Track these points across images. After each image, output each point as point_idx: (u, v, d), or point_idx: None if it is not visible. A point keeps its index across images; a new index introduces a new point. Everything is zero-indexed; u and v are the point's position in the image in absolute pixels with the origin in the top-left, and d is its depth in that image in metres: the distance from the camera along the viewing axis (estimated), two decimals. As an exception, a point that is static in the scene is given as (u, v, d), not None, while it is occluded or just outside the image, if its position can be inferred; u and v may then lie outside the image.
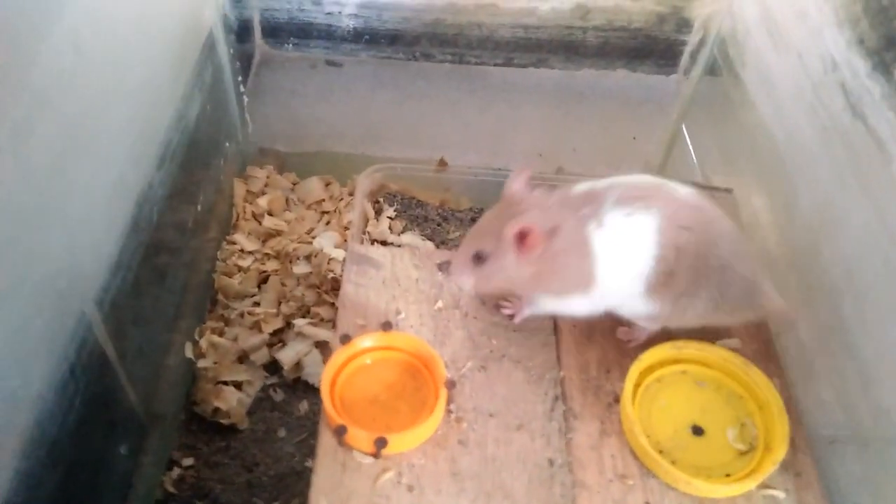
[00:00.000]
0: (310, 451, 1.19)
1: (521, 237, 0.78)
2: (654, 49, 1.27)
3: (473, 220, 1.49)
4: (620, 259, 0.81)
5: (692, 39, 1.24)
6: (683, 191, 0.83)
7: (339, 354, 0.86)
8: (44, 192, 0.76)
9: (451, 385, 0.84)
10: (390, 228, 1.42)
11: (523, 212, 0.80)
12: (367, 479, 0.79)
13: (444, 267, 1.00)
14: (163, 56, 1.10)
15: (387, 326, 0.89)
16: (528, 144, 1.70)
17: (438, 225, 1.47)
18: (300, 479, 1.16)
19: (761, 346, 0.95)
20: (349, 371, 0.87)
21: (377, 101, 1.81)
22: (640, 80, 1.81)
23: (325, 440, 0.83)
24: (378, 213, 1.45)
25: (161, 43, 1.10)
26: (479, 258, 0.82)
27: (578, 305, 0.86)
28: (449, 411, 0.85)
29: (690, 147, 1.51)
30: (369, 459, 0.81)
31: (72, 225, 0.83)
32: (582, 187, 0.84)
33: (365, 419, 0.83)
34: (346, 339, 0.87)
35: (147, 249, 1.04)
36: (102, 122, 0.90)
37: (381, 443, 0.78)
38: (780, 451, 0.80)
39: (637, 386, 0.87)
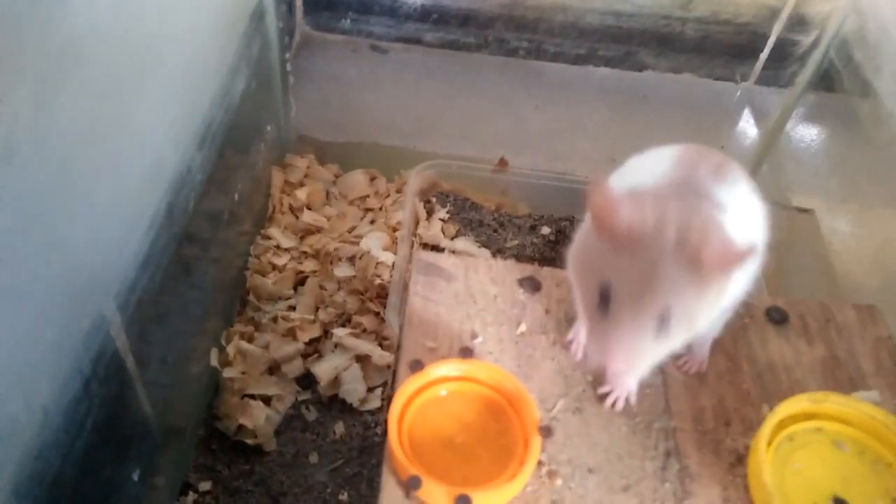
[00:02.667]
0: (344, 481, 1.05)
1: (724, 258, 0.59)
2: (758, 48, 1.11)
3: (533, 228, 1.35)
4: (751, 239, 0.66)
5: (804, 40, 1.09)
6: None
7: (409, 384, 0.71)
8: (66, 171, 0.61)
9: (546, 433, 0.69)
10: (443, 232, 1.27)
11: (685, 229, 0.60)
12: (441, 544, 0.64)
13: (525, 284, 0.85)
14: (210, 21, 0.96)
15: (466, 353, 0.74)
16: (593, 148, 1.55)
17: (495, 231, 1.32)
18: (334, 515, 1.01)
19: (892, 373, 0.80)
20: (420, 404, 0.72)
21: (426, 92, 1.66)
22: (706, 85, 1.67)
23: (389, 492, 0.67)
24: (430, 213, 1.31)
25: (209, 4, 0.95)
26: (663, 318, 0.59)
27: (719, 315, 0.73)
28: (540, 463, 0.70)
29: (780, 163, 1.35)
30: (444, 518, 0.66)
31: (97, 212, 0.68)
32: (642, 176, 0.68)
33: (438, 467, 0.67)
34: (417, 365, 0.72)
35: (179, 242, 0.89)
36: (140, 91, 0.76)
37: (463, 502, 0.63)
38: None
39: (767, 445, 0.72)
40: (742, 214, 0.66)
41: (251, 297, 1.19)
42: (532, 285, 0.86)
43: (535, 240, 1.32)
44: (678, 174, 0.65)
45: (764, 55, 1.45)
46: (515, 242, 1.32)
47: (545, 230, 1.34)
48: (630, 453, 0.72)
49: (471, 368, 0.73)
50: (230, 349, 1.10)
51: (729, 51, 1.13)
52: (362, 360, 1.13)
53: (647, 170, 0.68)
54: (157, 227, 0.83)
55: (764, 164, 1.32)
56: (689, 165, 0.66)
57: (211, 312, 1.09)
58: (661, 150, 0.72)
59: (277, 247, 1.25)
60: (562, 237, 1.34)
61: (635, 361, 0.60)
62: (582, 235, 0.67)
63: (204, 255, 1.06)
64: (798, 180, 1.41)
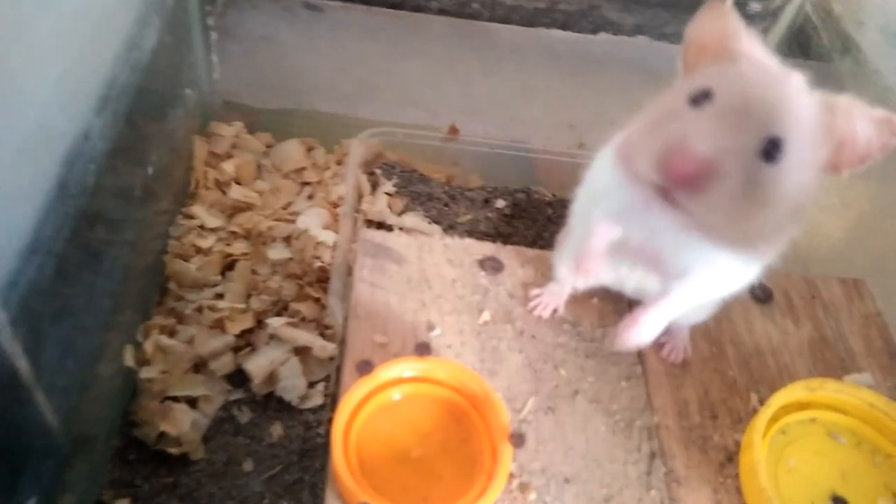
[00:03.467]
0: (284, 489, 0.93)
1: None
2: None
3: (487, 202, 1.24)
4: None
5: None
6: None
7: (357, 389, 0.60)
8: None
9: (517, 441, 0.59)
10: (390, 207, 1.15)
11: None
12: (398, 581, 0.54)
13: (486, 265, 0.75)
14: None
15: (422, 349, 0.63)
16: (547, 115, 1.45)
17: (446, 205, 1.21)
18: (272, 529, 0.89)
19: (882, 353, 0.74)
20: (370, 411, 0.61)
21: (366, 54, 1.53)
22: (664, 48, 1.59)
23: (335, 515, 0.57)
24: (374, 187, 1.19)
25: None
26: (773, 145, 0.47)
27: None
28: (510, 475, 0.60)
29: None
30: (402, 548, 0.55)
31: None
32: None
33: (393, 488, 0.57)
34: (366, 366, 0.61)
35: (77, 224, 0.75)
36: (17, 35, 0.61)
37: (424, 529, 0.53)
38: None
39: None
40: None
41: (172, 286, 1.05)
42: (494, 266, 0.76)
43: (489, 214, 1.22)
44: None
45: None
46: (468, 217, 1.21)
47: (500, 203, 1.24)
48: (610, 458, 0.63)
49: (428, 367, 0.63)
50: (148, 345, 0.96)
51: (692, 7, 1.03)
52: (301, 352, 1.01)
53: None
54: (47, 207, 0.69)
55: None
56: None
57: (124, 304, 0.95)
58: None
59: (202, 227, 1.11)
60: (518, 210, 1.24)
61: (726, 169, 0.46)
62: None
63: (112, 238, 0.92)
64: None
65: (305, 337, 1.01)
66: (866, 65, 0.85)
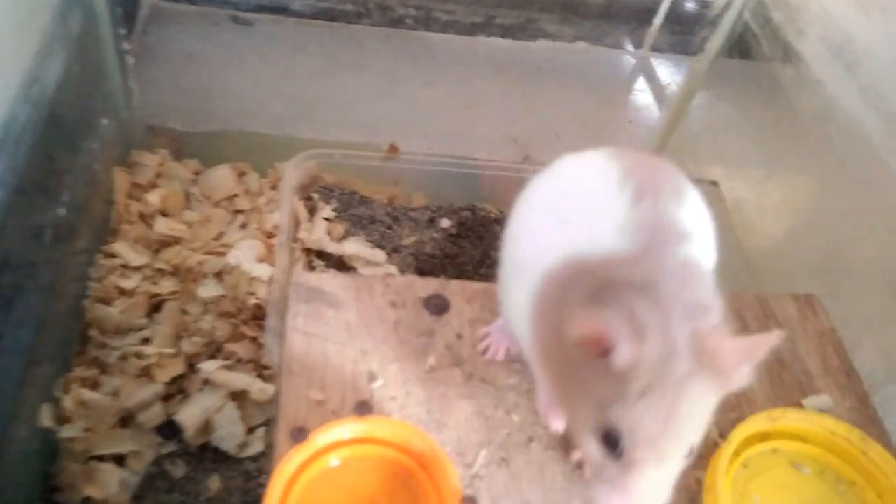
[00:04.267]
0: (226, 548, 0.86)
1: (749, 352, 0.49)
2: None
3: (431, 221, 1.19)
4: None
5: (716, 2, 0.99)
6: None
7: (291, 459, 0.55)
8: None
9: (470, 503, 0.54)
10: (329, 233, 1.09)
11: None
12: None
13: (430, 305, 0.70)
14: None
15: (363, 409, 0.58)
16: (490, 127, 1.41)
17: (389, 228, 1.16)
18: None
19: (856, 402, 0.72)
20: (307, 481, 0.56)
21: (299, 70, 1.48)
22: (603, 54, 1.58)
23: None
24: (312, 212, 1.13)
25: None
26: (691, 450, 0.49)
27: None
28: (465, 541, 0.55)
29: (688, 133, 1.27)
30: None
31: None
32: (594, 215, 0.55)
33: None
34: (300, 434, 0.55)
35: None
36: None
37: None
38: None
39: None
40: (704, 235, 0.56)
41: (93, 332, 0.97)
42: (439, 305, 0.71)
43: (434, 234, 1.17)
44: (642, 213, 0.52)
45: (658, 20, 1.36)
46: (413, 239, 1.16)
47: (445, 223, 1.20)
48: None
49: (369, 428, 0.58)
50: (68, 401, 0.88)
51: (631, 17, 1.01)
52: (239, 397, 0.94)
53: (596, 204, 0.54)
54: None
55: (673, 134, 1.23)
56: (646, 191, 0.53)
57: (39, 357, 0.87)
58: (591, 164, 0.59)
59: (125, 266, 1.03)
60: (464, 229, 1.20)
61: None
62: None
63: (23, 284, 0.84)
64: (705, 150, 1.33)
65: (242, 380, 0.95)
66: (808, 74, 0.83)
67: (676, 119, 1.18)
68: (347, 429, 0.57)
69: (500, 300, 0.63)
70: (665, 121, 1.24)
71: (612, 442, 0.46)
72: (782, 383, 0.73)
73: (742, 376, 0.47)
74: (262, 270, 1.01)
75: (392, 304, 0.70)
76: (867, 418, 0.71)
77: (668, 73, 1.44)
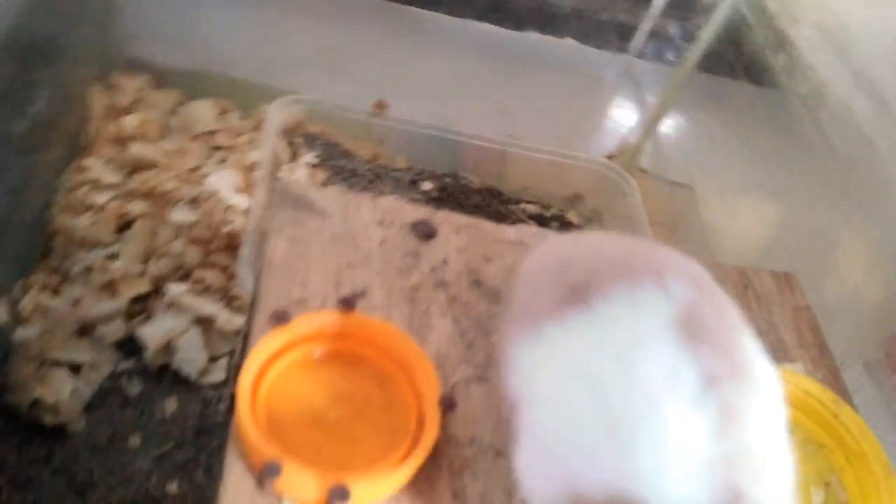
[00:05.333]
0: (175, 468, 0.85)
1: None
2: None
3: (413, 183, 1.20)
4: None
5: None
6: None
7: (270, 340, 0.54)
8: None
9: (448, 404, 0.54)
10: (311, 178, 1.08)
11: None
12: (307, 554, 0.48)
13: (418, 229, 0.70)
14: None
15: (348, 304, 0.57)
16: (478, 105, 1.42)
17: (371, 183, 1.16)
18: (158, 512, 0.81)
19: (828, 374, 0.74)
20: (283, 367, 0.55)
21: (291, 24, 1.47)
22: (588, 51, 1.61)
23: (235, 481, 0.50)
24: (294, 156, 1.12)
25: None
26: None
27: None
28: (438, 444, 0.55)
29: (664, 132, 1.30)
30: (312, 517, 0.49)
31: None
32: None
33: (306, 450, 0.51)
34: (282, 317, 0.54)
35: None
36: None
37: (338, 494, 0.47)
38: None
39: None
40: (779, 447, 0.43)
41: (58, 242, 0.94)
42: (426, 232, 0.71)
43: (416, 195, 1.18)
44: (728, 449, 0.39)
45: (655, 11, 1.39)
46: (393, 197, 1.16)
47: (427, 185, 1.20)
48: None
49: (351, 324, 0.57)
50: (26, 302, 0.85)
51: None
52: (204, 323, 0.93)
53: (666, 431, 0.39)
54: None
55: (654, 132, 1.26)
56: (733, 412, 0.40)
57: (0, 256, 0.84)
58: (644, 340, 0.42)
59: (96, 182, 1.00)
60: (445, 195, 1.20)
61: None
62: None
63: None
64: (681, 153, 1.37)
65: (209, 307, 0.93)
66: (800, 60, 0.86)
67: (661, 112, 1.21)
68: (330, 322, 0.56)
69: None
70: (649, 113, 1.27)
71: None
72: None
73: None
74: (239, 200, 0.99)
75: (379, 223, 0.70)
76: (837, 391, 0.73)
77: (655, 75, 1.48)
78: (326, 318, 0.56)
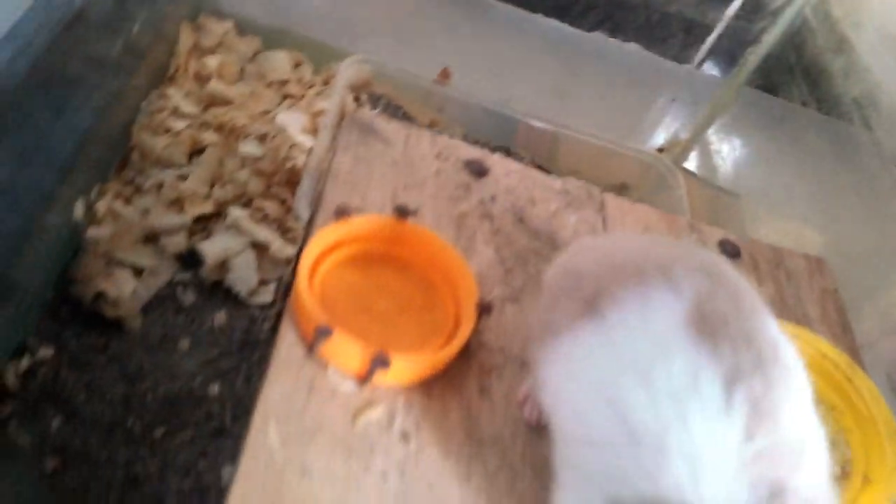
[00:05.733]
0: (218, 373, 0.90)
1: None
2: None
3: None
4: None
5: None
6: None
7: (330, 232, 0.59)
8: None
9: (485, 309, 0.59)
10: (371, 130, 1.14)
11: None
12: (343, 413, 0.53)
13: (472, 166, 0.75)
14: None
15: (403, 212, 0.62)
16: (536, 91, 1.47)
17: (426, 144, 1.21)
18: (198, 407, 0.87)
19: (847, 353, 0.76)
20: (339, 258, 0.60)
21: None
22: (652, 59, 1.64)
23: (287, 346, 0.55)
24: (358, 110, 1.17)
25: None
26: None
27: None
28: (471, 341, 0.59)
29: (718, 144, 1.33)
30: (350, 386, 0.54)
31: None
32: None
33: (353, 328, 0.56)
34: (343, 212, 0.60)
35: (56, 42, 0.72)
36: None
37: (380, 361, 0.52)
38: (891, 485, 0.60)
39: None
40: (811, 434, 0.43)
41: (135, 157, 1.01)
42: (479, 170, 0.76)
43: (466, 161, 1.22)
44: (759, 448, 0.39)
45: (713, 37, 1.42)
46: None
47: (479, 154, 1.24)
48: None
49: (405, 231, 0.62)
50: (101, 206, 0.93)
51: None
52: (258, 248, 0.99)
53: (694, 431, 0.39)
54: (32, 6, 0.66)
55: (705, 135, 1.29)
56: (762, 410, 0.40)
57: (82, 162, 0.91)
58: (665, 337, 0.42)
59: (175, 110, 1.08)
60: (494, 164, 1.24)
61: None
62: None
63: (77, 93, 0.88)
64: (732, 162, 1.39)
65: (265, 234, 0.99)
66: (858, 62, 0.89)
67: (715, 112, 1.24)
68: (386, 226, 0.61)
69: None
70: (704, 113, 1.30)
71: None
72: (782, 317, 0.77)
73: None
74: (304, 139, 1.05)
75: (436, 156, 0.75)
76: (850, 350, 0.75)
77: (715, 78, 1.51)
78: (382, 222, 0.61)
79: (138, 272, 0.92)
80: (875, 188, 0.90)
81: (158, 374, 0.87)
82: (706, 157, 1.39)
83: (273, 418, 0.52)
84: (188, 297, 0.94)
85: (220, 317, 0.94)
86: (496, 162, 0.78)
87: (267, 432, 0.51)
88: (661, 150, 1.34)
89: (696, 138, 1.30)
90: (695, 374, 0.40)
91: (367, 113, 0.76)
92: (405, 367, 0.53)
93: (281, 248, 0.98)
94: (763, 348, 0.42)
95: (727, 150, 1.41)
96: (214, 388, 0.88)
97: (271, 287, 0.97)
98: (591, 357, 0.44)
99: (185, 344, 0.90)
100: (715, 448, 0.38)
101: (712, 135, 1.39)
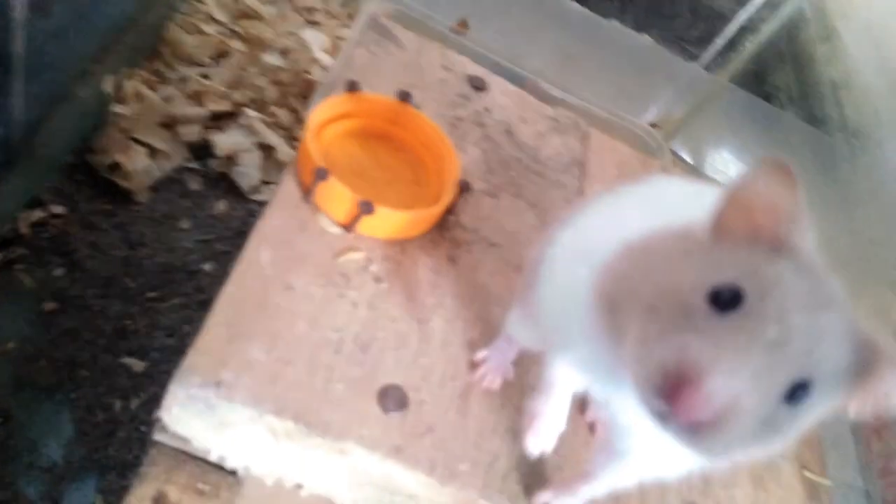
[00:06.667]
0: (213, 254, 0.97)
1: None
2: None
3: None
4: None
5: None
6: None
7: (340, 101, 0.66)
8: None
9: (465, 186, 0.66)
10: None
11: None
12: (327, 250, 0.60)
13: (474, 80, 0.82)
14: None
15: (405, 97, 0.69)
16: (544, 63, 1.54)
17: (436, 86, 1.28)
18: (190, 279, 0.93)
19: None
20: (343, 128, 0.67)
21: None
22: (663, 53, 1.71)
23: (287, 191, 0.62)
24: (377, 43, 1.24)
25: None
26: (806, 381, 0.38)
27: None
28: (447, 218, 0.66)
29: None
30: (337, 231, 0.61)
31: None
32: None
33: (347, 184, 0.62)
34: (354, 86, 0.67)
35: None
36: None
37: (365, 207, 0.59)
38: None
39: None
40: None
41: (165, 51, 1.08)
42: (479, 85, 0.83)
43: (471, 108, 1.29)
44: None
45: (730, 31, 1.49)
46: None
47: (483, 104, 1.31)
48: (531, 240, 0.70)
49: (405, 115, 0.69)
50: (128, 87, 0.99)
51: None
52: (266, 150, 1.05)
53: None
54: None
55: (696, 120, 1.37)
56: None
57: (118, 46, 0.98)
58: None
59: (209, 15, 1.14)
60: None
61: (743, 409, 0.36)
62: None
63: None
64: (717, 153, 1.46)
65: (275, 138, 1.06)
66: (841, 49, 0.96)
67: (708, 95, 1.31)
68: (390, 107, 0.68)
69: (515, 314, 0.56)
70: (698, 96, 1.38)
71: (723, 300, 0.37)
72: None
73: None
74: (324, 56, 1.12)
75: (443, 66, 0.82)
76: None
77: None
78: (386, 102, 0.68)
79: (153, 153, 0.98)
80: (848, 197, 0.97)
81: (158, 246, 0.94)
82: (693, 146, 1.46)
83: (265, 244, 0.58)
84: (194, 184, 1.01)
85: (221, 205, 1.01)
86: (496, 82, 0.85)
87: (259, 252, 0.58)
88: (653, 125, 1.41)
89: (688, 120, 1.37)
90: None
91: (386, 19, 0.83)
92: (387, 219, 0.60)
93: (287, 153, 1.04)
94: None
95: (714, 143, 1.48)
96: (207, 266, 0.95)
97: (272, 188, 1.04)
98: (575, 227, 0.51)
99: (185, 223, 0.97)
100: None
101: (702, 125, 1.46)
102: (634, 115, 1.63)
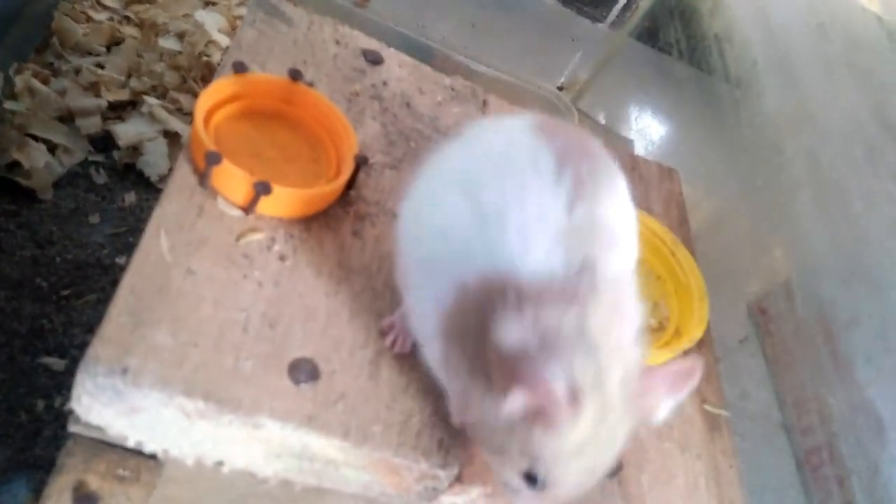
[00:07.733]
0: (126, 247, 0.96)
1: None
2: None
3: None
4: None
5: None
6: None
7: (227, 83, 0.66)
8: None
9: (362, 160, 0.67)
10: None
11: None
12: (227, 233, 0.61)
13: (368, 55, 0.83)
14: None
15: (296, 75, 0.70)
16: (451, 32, 1.55)
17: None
18: (105, 274, 0.93)
19: (683, 240, 0.88)
20: (234, 110, 0.67)
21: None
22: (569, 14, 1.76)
23: (182, 175, 0.63)
24: (278, 21, 1.23)
25: None
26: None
27: None
28: (349, 193, 0.68)
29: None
30: (237, 213, 0.62)
31: None
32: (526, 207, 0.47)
33: (242, 167, 0.63)
34: (241, 67, 0.67)
35: None
36: None
37: (262, 188, 0.60)
38: (697, 332, 0.73)
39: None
40: (630, 232, 0.52)
41: (55, 41, 1.05)
42: (374, 59, 0.84)
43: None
44: (579, 221, 0.46)
45: None
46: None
47: (391, 75, 1.32)
48: (437, 211, 0.72)
49: (298, 94, 0.70)
50: (19, 82, 0.96)
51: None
52: (171, 137, 1.04)
53: (528, 203, 0.47)
54: None
55: (601, 79, 1.41)
56: (584, 190, 0.47)
57: (4, 36, 0.95)
58: (518, 142, 0.51)
59: (98, 2, 1.11)
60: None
61: None
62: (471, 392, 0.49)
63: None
64: (624, 109, 1.52)
65: (179, 124, 1.05)
66: (721, 2, 1.01)
67: (610, 54, 1.36)
68: (281, 86, 0.69)
69: (402, 291, 0.58)
70: (601, 56, 1.42)
71: (533, 478, 0.45)
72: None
73: (663, 412, 0.47)
74: (221, 38, 1.11)
75: (336, 42, 0.82)
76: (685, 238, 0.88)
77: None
78: (276, 81, 0.69)
79: (53, 148, 0.96)
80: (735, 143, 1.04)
81: (67, 243, 0.92)
82: (603, 104, 1.51)
83: (164, 229, 0.59)
84: (100, 178, 0.99)
85: (131, 197, 1.00)
86: (391, 55, 0.86)
87: (158, 238, 0.58)
88: (560, 88, 1.45)
89: (594, 79, 1.41)
90: (535, 154, 0.48)
91: (275, -2, 0.83)
92: (286, 198, 0.61)
93: (194, 139, 1.03)
94: (595, 153, 0.52)
95: (621, 100, 1.53)
96: (122, 259, 0.94)
97: (182, 174, 1.03)
98: (452, 160, 0.53)
99: (95, 218, 0.96)
100: (543, 218, 0.46)
101: (607, 84, 1.51)
102: (547, 79, 1.68)
